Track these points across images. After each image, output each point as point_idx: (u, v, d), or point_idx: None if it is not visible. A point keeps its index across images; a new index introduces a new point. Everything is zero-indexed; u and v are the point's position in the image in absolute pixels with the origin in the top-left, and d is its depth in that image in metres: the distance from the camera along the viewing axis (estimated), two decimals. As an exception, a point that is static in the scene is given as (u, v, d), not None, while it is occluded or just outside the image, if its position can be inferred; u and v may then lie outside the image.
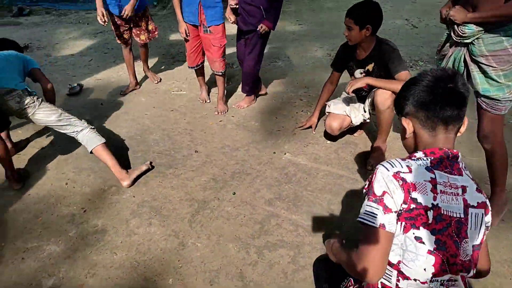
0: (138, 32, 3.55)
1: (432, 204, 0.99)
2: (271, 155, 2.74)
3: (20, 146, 2.90)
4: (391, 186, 1.01)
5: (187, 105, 3.51)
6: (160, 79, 4.03)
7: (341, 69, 2.72)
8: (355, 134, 2.95)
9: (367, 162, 2.58)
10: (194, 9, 2.91)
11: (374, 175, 1.06)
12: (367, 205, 1.03)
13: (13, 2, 7.34)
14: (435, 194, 1.00)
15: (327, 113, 2.74)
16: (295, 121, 3.17)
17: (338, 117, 2.62)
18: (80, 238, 2.09)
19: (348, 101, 2.71)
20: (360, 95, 2.65)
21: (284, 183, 2.46)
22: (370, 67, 2.47)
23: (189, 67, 3.33)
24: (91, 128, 2.48)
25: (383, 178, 1.02)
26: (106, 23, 3.14)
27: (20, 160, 2.77)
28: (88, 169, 2.64)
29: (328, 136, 2.86)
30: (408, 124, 1.13)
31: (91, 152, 2.41)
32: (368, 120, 2.65)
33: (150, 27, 3.60)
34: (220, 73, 3.22)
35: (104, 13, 3.12)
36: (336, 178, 2.48)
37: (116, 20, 3.37)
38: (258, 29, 2.96)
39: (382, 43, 2.39)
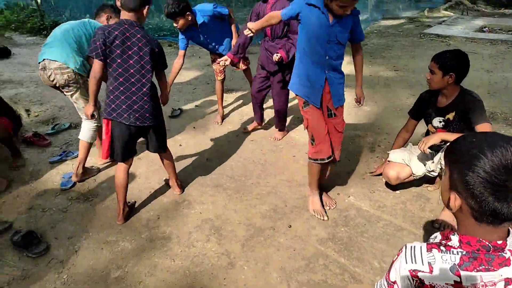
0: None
1: None
2: (335, 196, 2.77)
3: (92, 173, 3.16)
4: (403, 283, 0.94)
5: (266, 137, 3.73)
6: None
7: (419, 116, 2.69)
8: (429, 188, 2.80)
9: (435, 220, 2.44)
10: (317, 86, 2.29)
11: (397, 255, 0.98)
12: (382, 281, 1.02)
13: (145, 34, 8.67)
14: None
15: (387, 161, 2.69)
16: (368, 166, 3.14)
17: (396, 165, 2.58)
18: (149, 241, 2.39)
19: (410, 151, 2.64)
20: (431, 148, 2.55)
21: (341, 225, 2.46)
22: (450, 116, 2.40)
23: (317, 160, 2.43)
24: (95, 125, 2.96)
25: (399, 270, 0.95)
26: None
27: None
28: (167, 183, 2.99)
29: (391, 186, 2.78)
30: (455, 201, 0.91)
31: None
32: (435, 174, 2.53)
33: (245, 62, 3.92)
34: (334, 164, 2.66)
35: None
36: (397, 230, 2.39)
37: (213, 57, 3.85)
38: (274, 57, 3.14)
39: (466, 93, 2.34)
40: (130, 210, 2.63)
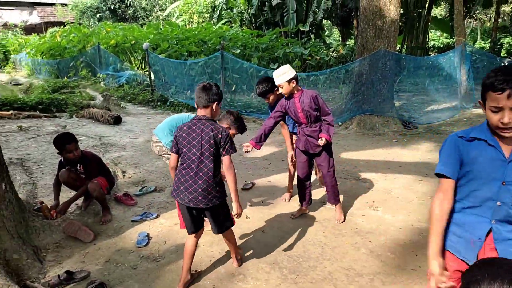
0: None
1: None
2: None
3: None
4: None
5: (331, 219, 3.73)
6: None
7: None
8: None
9: None
10: (475, 240, 1.71)
11: None
12: None
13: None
14: None
15: None
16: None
17: None
18: (201, 309, 2.50)
19: None
20: None
21: (396, 326, 2.30)
22: None
23: None
24: None
25: None
26: None
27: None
28: (230, 257, 3.13)
29: None
30: None
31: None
32: None
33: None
34: None
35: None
36: None
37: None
38: (319, 142, 3.36)
39: None
40: (192, 279, 2.77)
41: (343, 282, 2.75)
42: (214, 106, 2.63)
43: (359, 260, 3.02)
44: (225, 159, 2.59)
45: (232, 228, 2.84)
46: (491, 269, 0.93)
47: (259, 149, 3.54)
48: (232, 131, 3.37)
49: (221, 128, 2.60)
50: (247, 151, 3.46)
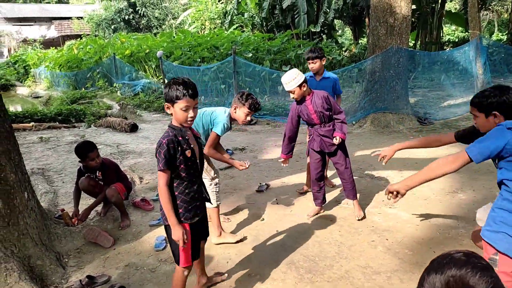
0: None
1: None
2: (412, 290, 2.59)
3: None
4: None
5: (347, 217, 3.72)
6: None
7: (463, 141, 2.52)
8: None
9: None
10: None
11: None
12: None
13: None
14: None
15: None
16: (455, 261, 2.88)
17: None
18: (219, 310, 2.53)
19: None
20: None
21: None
22: None
23: None
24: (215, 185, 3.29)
25: None
26: None
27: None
28: (247, 258, 3.15)
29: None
30: None
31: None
32: None
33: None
34: None
35: None
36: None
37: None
38: (334, 141, 3.48)
39: None
40: (210, 282, 2.77)
41: (360, 280, 2.74)
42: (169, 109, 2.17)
43: (376, 258, 3.00)
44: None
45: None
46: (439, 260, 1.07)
47: (291, 157, 3.81)
48: (243, 112, 3.13)
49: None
50: (285, 165, 3.82)
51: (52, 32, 33.79)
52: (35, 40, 31.05)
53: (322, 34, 19.44)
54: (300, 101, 3.47)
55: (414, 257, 2.98)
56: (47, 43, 31.08)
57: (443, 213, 3.68)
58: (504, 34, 21.42)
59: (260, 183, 4.77)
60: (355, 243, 3.25)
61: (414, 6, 14.78)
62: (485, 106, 2.09)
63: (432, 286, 1.03)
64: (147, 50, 15.01)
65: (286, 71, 13.48)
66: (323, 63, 4.19)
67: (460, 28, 22.50)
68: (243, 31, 19.31)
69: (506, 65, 11.69)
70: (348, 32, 28.20)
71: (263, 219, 3.82)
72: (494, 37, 21.32)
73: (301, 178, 4.96)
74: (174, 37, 17.23)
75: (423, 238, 3.26)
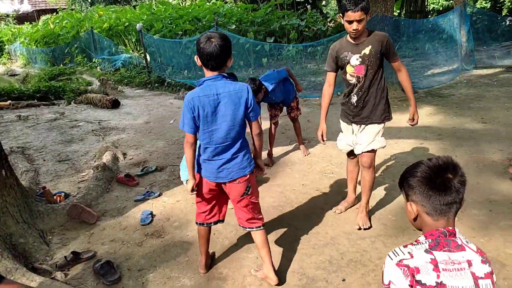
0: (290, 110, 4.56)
1: (436, 282, 1.14)
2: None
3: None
4: (394, 275, 1.18)
5: (332, 187, 3.74)
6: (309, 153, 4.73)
7: (336, 67, 2.82)
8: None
9: None
10: None
11: (384, 264, 1.25)
12: None
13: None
14: (438, 273, 1.14)
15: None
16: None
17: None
18: (206, 280, 2.55)
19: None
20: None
21: (398, 284, 2.33)
22: (367, 50, 2.65)
23: None
24: None
25: (389, 269, 1.20)
26: None
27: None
28: (233, 228, 3.16)
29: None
30: (411, 206, 1.30)
31: None
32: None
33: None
34: None
35: None
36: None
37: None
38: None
39: (374, 30, 2.68)
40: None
41: (345, 245, 2.78)
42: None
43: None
44: None
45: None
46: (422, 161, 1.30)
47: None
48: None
49: None
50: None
51: (25, 6, 32.23)
52: (7, 15, 29.61)
53: (306, 4, 19.05)
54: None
55: (397, 222, 3.03)
56: (21, 18, 29.68)
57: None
58: (488, 1, 21.37)
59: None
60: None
61: (399, -26, 14.53)
62: (368, 7, 2.53)
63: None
64: (126, 24, 14.49)
65: (271, 43, 13.24)
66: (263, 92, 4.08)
67: (444, -3, 22.34)
68: (226, 2, 18.77)
69: (489, 33, 11.71)
70: (333, 2, 27.70)
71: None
72: (478, 5, 21.25)
73: (285, 149, 4.95)
74: (154, 9, 16.61)
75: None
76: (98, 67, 13.68)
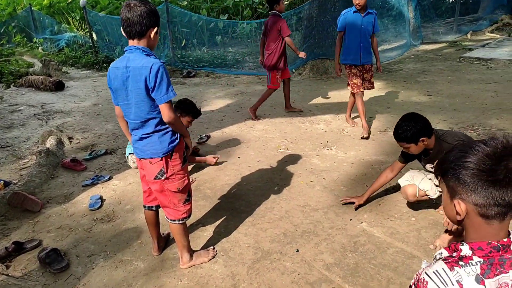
0: None
1: None
2: (347, 222, 2.72)
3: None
4: None
5: (287, 162, 3.77)
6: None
7: (407, 161, 2.69)
8: (440, 212, 2.69)
9: (433, 243, 2.40)
10: None
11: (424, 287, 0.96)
12: None
13: (185, 66, 9.21)
14: None
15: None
16: (386, 193, 3.07)
17: (410, 186, 2.64)
18: (160, 260, 2.49)
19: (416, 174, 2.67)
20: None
21: (349, 251, 2.41)
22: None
23: None
24: None
25: None
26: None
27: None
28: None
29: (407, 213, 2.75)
30: (459, 205, 0.96)
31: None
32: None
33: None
34: None
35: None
36: (407, 258, 2.30)
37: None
38: None
39: (441, 141, 2.39)
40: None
41: (299, 218, 2.83)
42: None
43: (314, 196, 3.11)
44: None
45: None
46: (461, 146, 0.98)
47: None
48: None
49: None
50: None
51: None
52: None
53: (259, -19, 18.72)
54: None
55: (348, 192, 3.12)
56: None
57: (375, 151, 3.87)
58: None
59: (200, 135, 4.65)
60: (294, 185, 3.32)
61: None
62: (412, 138, 2.35)
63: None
64: (69, 0, 13.53)
65: (224, 20, 12.88)
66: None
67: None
68: (176, -22, 17.99)
69: (434, 10, 12.17)
70: (286, -21, 27.44)
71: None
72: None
73: (241, 127, 4.91)
74: (99, -16, 15.61)
75: (356, 175, 3.41)
76: (39, 48, 12.75)
